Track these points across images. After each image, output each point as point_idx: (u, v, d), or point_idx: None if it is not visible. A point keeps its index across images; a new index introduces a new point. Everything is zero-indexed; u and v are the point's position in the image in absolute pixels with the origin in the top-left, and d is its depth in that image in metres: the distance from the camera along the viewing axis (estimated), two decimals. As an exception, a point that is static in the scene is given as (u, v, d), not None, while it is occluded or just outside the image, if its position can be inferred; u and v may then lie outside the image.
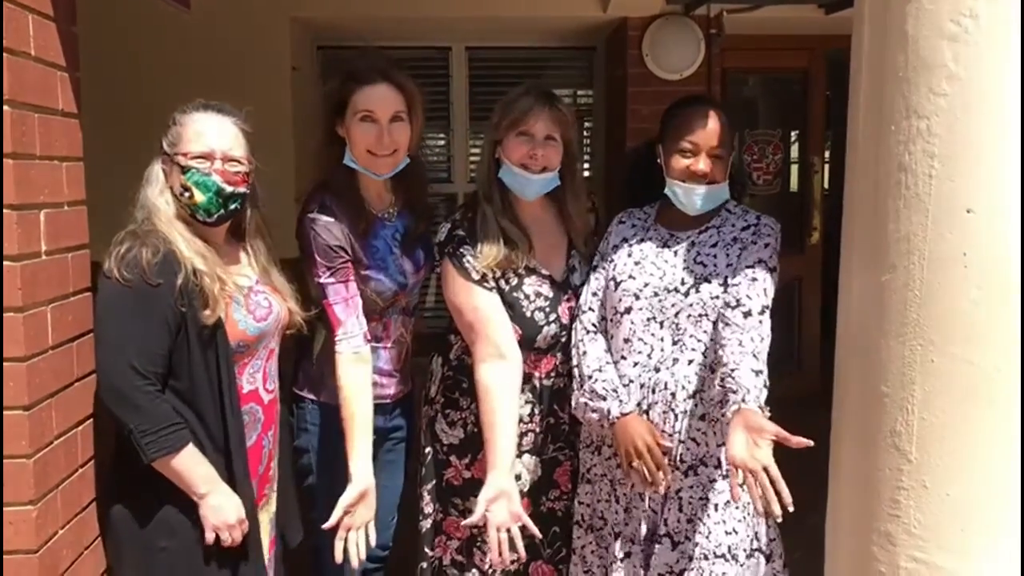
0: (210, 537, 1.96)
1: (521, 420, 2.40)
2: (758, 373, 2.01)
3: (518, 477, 2.41)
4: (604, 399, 2.21)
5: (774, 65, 5.63)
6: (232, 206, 2.03)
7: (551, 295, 2.39)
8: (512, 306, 2.35)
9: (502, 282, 2.36)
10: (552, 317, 2.38)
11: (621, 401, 2.20)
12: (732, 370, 2.02)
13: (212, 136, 2.00)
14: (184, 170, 1.98)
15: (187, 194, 1.98)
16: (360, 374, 2.27)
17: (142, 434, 1.86)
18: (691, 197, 2.24)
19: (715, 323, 2.17)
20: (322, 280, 2.27)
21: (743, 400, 1.95)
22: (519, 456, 2.41)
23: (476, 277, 2.32)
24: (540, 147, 2.29)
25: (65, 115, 1.94)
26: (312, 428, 2.43)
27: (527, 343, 2.37)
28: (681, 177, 2.23)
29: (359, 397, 2.26)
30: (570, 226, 2.45)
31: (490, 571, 2.45)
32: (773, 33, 5.17)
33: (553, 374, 2.42)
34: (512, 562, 2.25)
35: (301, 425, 2.44)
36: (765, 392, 2.00)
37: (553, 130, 2.30)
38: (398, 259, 2.40)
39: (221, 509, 1.96)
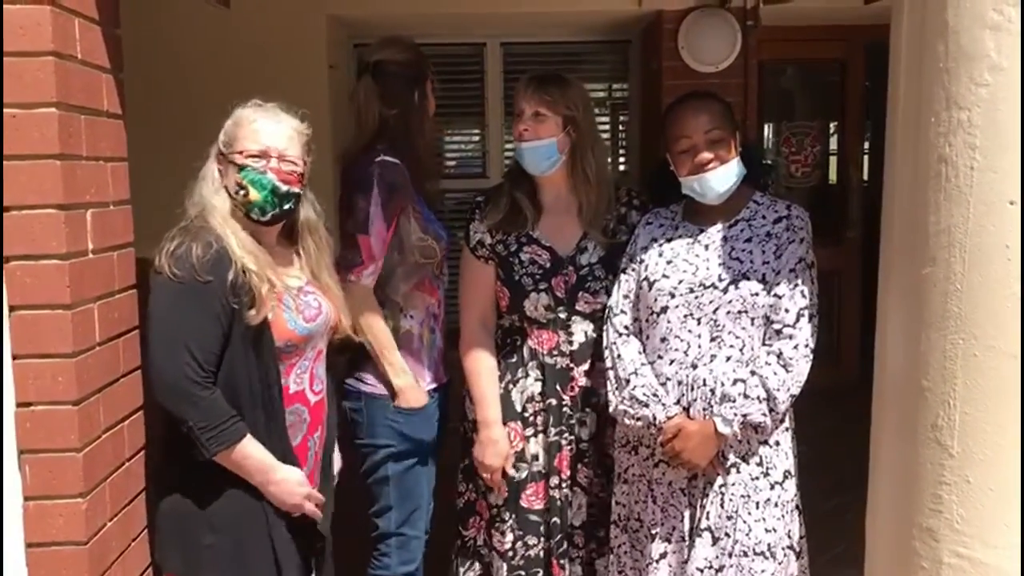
0: (298, 511, 2.03)
1: (532, 399, 2.46)
2: (768, 400, 2.13)
3: (535, 458, 2.47)
4: (646, 405, 2.21)
5: (811, 56, 5.58)
6: (287, 205, 2.04)
7: (547, 265, 2.44)
8: (504, 269, 2.46)
9: (500, 247, 2.47)
10: (543, 285, 2.43)
11: (664, 405, 2.21)
12: (754, 375, 2.16)
13: (268, 135, 2.01)
14: (240, 168, 1.99)
15: (242, 192, 1.99)
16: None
17: (201, 430, 1.88)
18: (705, 185, 2.24)
19: (753, 320, 2.19)
20: (371, 210, 2.39)
21: (728, 416, 2.13)
22: (534, 436, 2.47)
23: (471, 244, 2.51)
24: (526, 123, 2.43)
25: (110, 116, 1.98)
26: (394, 424, 2.47)
27: (515, 308, 2.45)
28: (689, 173, 2.25)
29: (382, 322, 2.42)
30: (585, 202, 2.47)
31: (509, 554, 2.48)
32: (810, 24, 5.12)
33: (556, 352, 2.44)
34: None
35: (383, 423, 2.48)
36: (761, 416, 2.14)
37: (540, 106, 2.42)
38: (433, 217, 2.57)
39: (283, 491, 1.99)
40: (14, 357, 1.79)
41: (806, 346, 2.16)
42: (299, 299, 2.07)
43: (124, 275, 2.03)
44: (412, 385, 2.45)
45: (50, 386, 1.80)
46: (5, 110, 1.74)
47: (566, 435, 2.46)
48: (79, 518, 1.83)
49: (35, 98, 1.74)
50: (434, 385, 2.55)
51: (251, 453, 1.95)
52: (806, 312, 2.16)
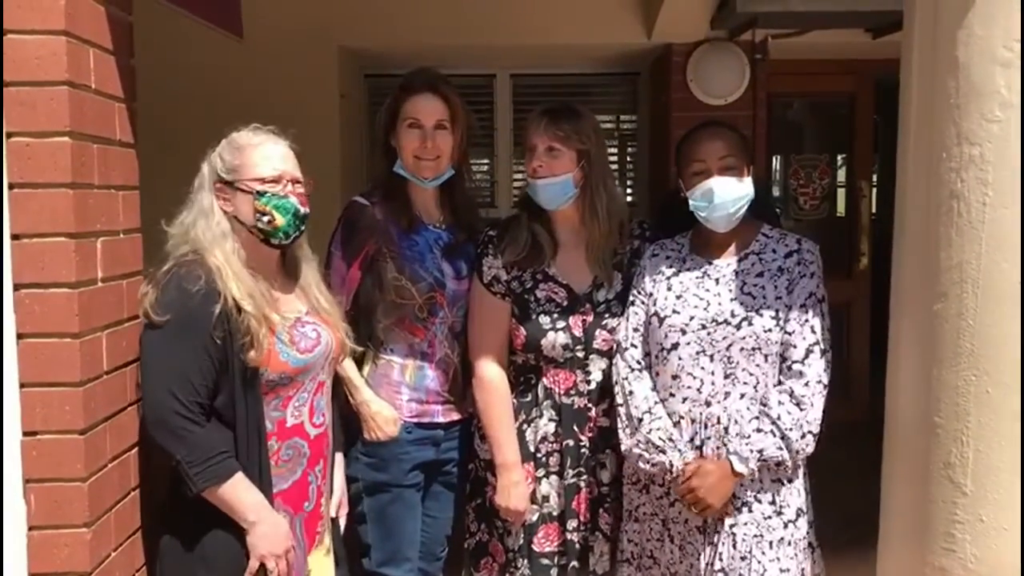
0: (254, 565, 1.94)
1: (546, 439, 2.41)
2: (783, 439, 2.11)
3: (546, 499, 2.41)
4: (663, 452, 2.17)
5: (820, 89, 5.59)
6: (303, 227, 2.05)
7: (564, 304, 2.40)
8: (520, 306, 2.41)
9: (515, 283, 2.42)
10: (560, 324, 2.37)
11: (680, 451, 2.18)
12: (767, 416, 2.14)
13: (279, 159, 2.02)
14: (259, 195, 1.98)
15: (265, 218, 1.98)
16: None
17: (189, 464, 1.86)
18: (714, 201, 2.19)
19: (767, 357, 2.16)
20: (332, 249, 2.39)
21: (744, 454, 2.11)
22: (545, 477, 2.41)
23: (485, 280, 2.44)
24: (540, 159, 2.37)
25: (122, 145, 1.99)
26: (362, 457, 2.43)
27: (531, 347, 2.39)
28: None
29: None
30: (589, 238, 2.42)
31: None
32: (819, 58, 5.14)
33: (573, 392, 2.39)
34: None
35: (352, 454, 2.43)
36: (776, 451, 2.11)
37: (553, 142, 2.37)
38: (436, 259, 2.46)
39: (268, 537, 1.94)
40: (21, 385, 1.79)
41: (818, 382, 2.13)
42: (295, 331, 2.04)
43: (133, 304, 2.02)
44: (379, 410, 2.39)
45: (57, 415, 1.79)
46: (19, 138, 1.75)
47: (585, 477, 2.41)
48: (84, 548, 1.82)
49: (49, 127, 1.75)
50: (415, 421, 2.45)
51: (240, 492, 1.91)
52: (816, 348, 2.14)
